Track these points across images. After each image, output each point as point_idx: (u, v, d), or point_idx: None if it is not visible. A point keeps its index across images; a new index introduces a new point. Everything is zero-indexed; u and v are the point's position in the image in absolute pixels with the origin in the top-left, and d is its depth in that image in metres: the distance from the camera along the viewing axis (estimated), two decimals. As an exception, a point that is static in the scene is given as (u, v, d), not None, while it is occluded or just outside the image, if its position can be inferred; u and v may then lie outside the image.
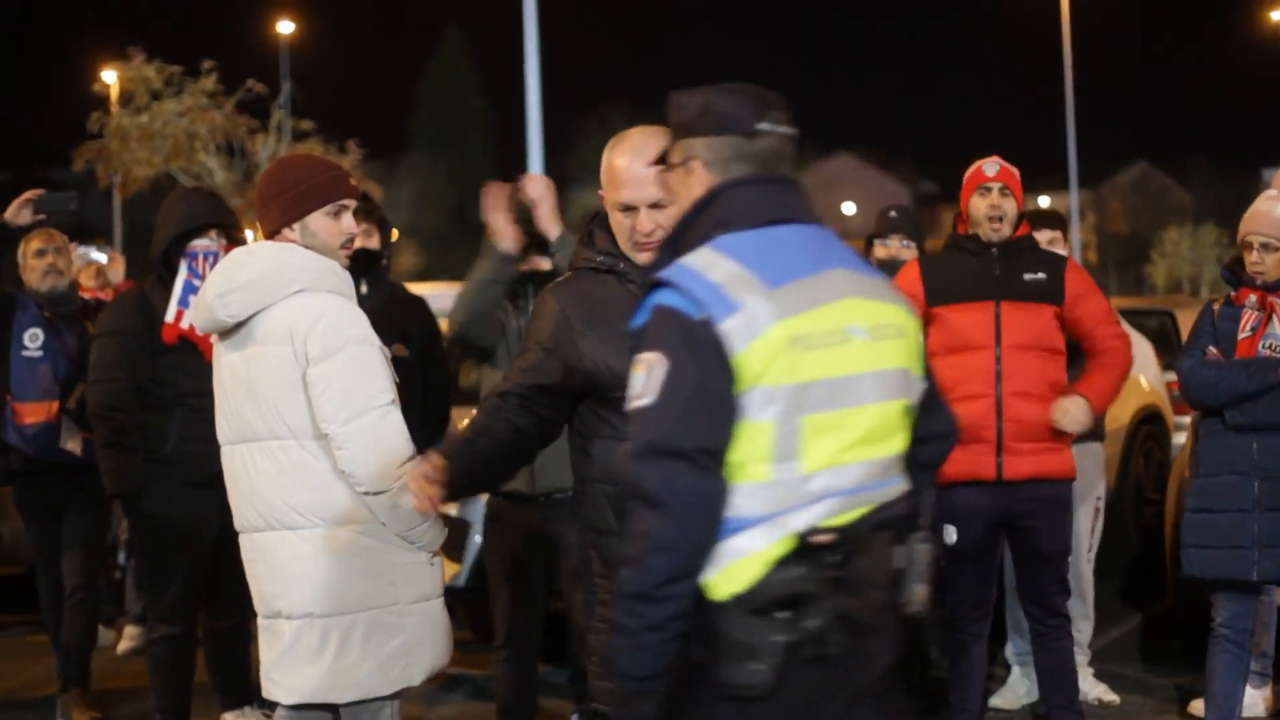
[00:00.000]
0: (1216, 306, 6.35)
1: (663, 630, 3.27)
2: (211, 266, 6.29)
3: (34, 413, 7.72)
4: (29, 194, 7.15)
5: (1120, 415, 10.45)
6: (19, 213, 7.12)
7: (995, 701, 7.53)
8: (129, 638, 9.46)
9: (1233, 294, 6.30)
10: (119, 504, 8.35)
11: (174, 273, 6.76)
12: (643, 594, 3.26)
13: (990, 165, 6.51)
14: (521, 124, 20.18)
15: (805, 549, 3.25)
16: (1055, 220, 7.80)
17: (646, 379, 3.30)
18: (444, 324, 7.36)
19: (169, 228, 6.80)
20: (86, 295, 9.32)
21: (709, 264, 3.34)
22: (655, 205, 4.23)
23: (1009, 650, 7.73)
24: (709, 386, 3.26)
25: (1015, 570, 6.61)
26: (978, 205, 6.50)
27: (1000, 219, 6.45)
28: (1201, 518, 6.29)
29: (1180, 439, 9.94)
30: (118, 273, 9.18)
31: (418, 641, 4.95)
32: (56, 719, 7.74)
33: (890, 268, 7.06)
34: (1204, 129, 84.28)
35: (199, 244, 6.76)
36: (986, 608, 6.56)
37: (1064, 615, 6.50)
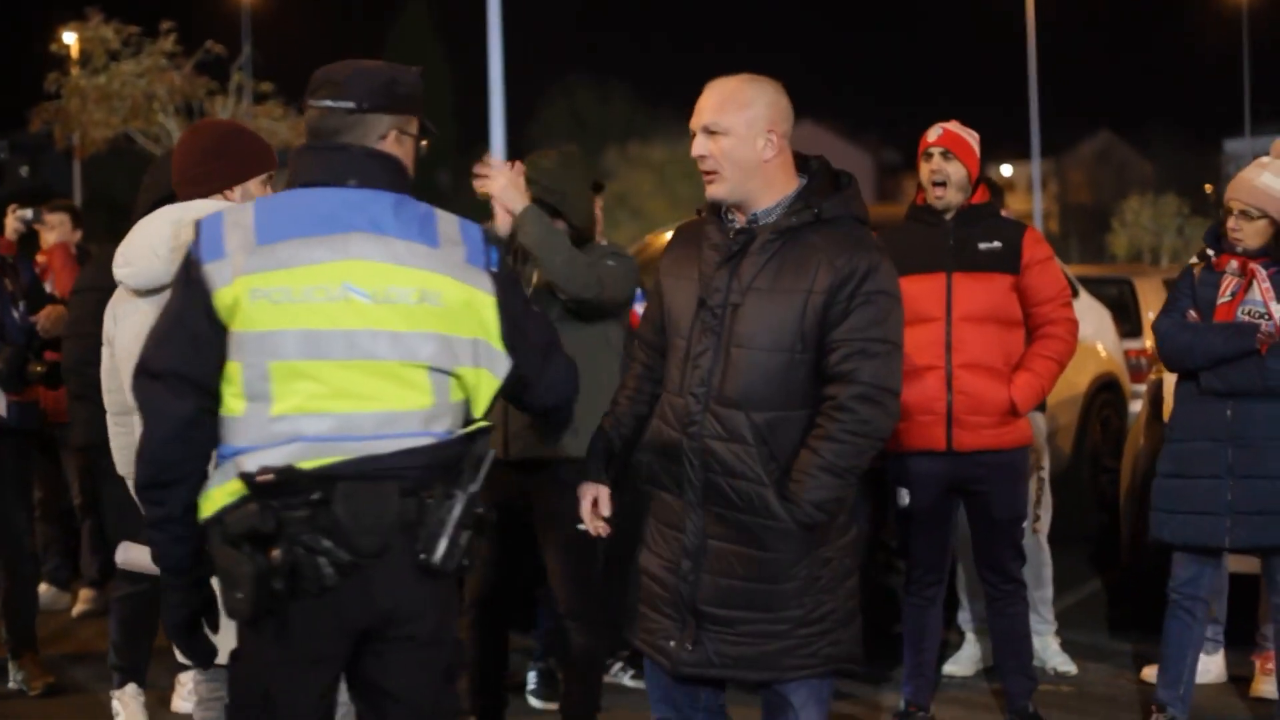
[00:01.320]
0: (1197, 270, 6.31)
1: (160, 530, 3.72)
2: None
3: None
4: None
5: (1077, 383, 10.48)
6: None
7: (949, 668, 7.54)
8: (84, 600, 9.42)
9: (1214, 259, 6.27)
10: (78, 463, 8.39)
11: None
12: (137, 494, 3.76)
13: (934, 130, 6.44)
14: (484, 92, 20.09)
15: (255, 488, 3.54)
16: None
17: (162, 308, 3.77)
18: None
19: (154, 190, 6.83)
20: (48, 258, 9.30)
21: (233, 213, 3.72)
22: (708, 131, 4.42)
23: (961, 617, 7.73)
24: (188, 319, 3.65)
25: (971, 535, 6.60)
26: (922, 170, 6.45)
27: (943, 184, 6.38)
28: (1174, 483, 6.28)
29: (1136, 406, 9.96)
30: (53, 233, 9.12)
31: None
32: (9, 684, 7.68)
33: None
34: (1166, 100, 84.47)
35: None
36: (941, 572, 6.57)
37: (1018, 581, 6.52)
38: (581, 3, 76.98)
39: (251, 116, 27.01)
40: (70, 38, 31.09)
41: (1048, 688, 7.14)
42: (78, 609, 9.39)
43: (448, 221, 3.83)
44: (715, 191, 4.40)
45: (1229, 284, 6.20)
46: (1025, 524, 6.74)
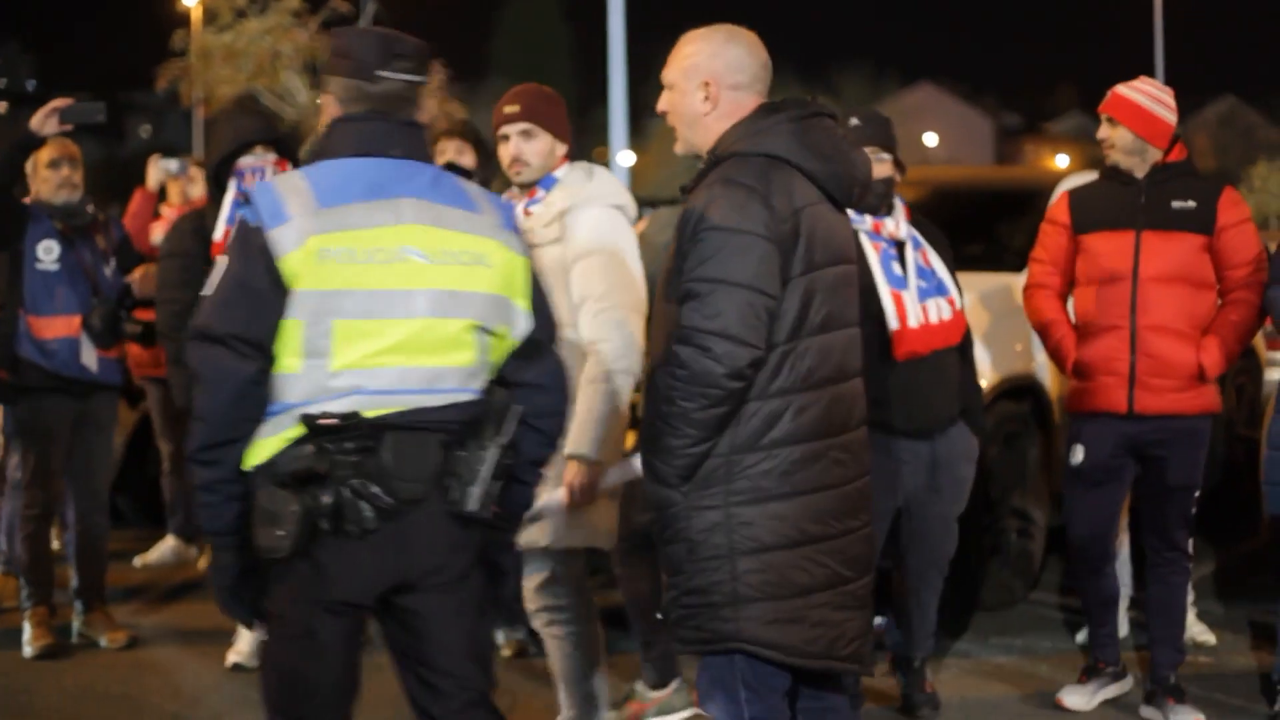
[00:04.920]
0: None
1: (213, 491, 3.85)
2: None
3: (53, 328, 7.51)
4: (56, 103, 6.93)
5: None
6: (45, 122, 6.91)
7: (1081, 637, 7.41)
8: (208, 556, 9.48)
9: None
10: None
11: (224, 191, 6.96)
12: (192, 458, 3.85)
13: (1107, 95, 6.32)
14: (603, 49, 20.00)
15: (314, 430, 3.76)
16: None
17: (214, 276, 3.89)
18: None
19: (218, 148, 7.06)
20: (171, 211, 9.32)
21: (283, 181, 3.89)
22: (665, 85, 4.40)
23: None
24: (251, 284, 3.79)
25: (1141, 499, 6.48)
26: (1099, 134, 6.37)
27: (1110, 148, 6.28)
28: None
29: (1275, 375, 9.74)
30: (197, 187, 9.11)
31: None
32: (72, 636, 7.74)
33: (883, 187, 6.01)
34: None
35: (245, 161, 6.99)
36: (1111, 534, 6.49)
37: (1182, 550, 6.40)
38: (701, -37, 76.79)
39: (374, 75, 27.17)
40: (192, -1, 31.40)
41: (1186, 659, 7.01)
42: (203, 563, 9.46)
43: (475, 190, 4.13)
44: (676, 147, 4.41)
45: None
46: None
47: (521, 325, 4.11)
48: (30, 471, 7.59)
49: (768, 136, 4.16)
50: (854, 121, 6.00)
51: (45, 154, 7.54)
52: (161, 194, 9.61)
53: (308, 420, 3.78)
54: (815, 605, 4.14)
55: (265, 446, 3.82)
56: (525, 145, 5.58)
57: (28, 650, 7.49)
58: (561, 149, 5.65)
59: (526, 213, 5.55)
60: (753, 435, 4.09)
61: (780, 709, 4.26)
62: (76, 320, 7.54)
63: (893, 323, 5.93)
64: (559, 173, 5.59)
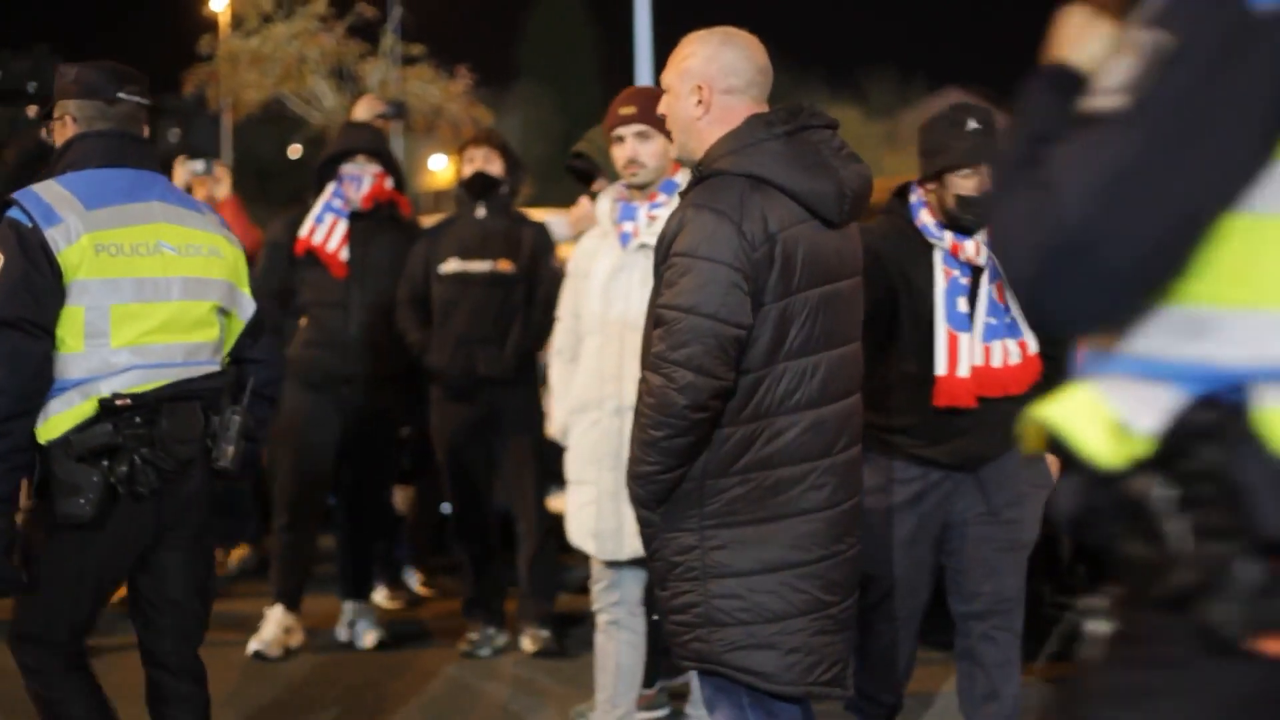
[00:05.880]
0: None
1: (6, 460, 4.28)
2: (356, 190, 7.43)
3: None
4: None
5: None
6: None
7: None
8: (238, 559, 9.52)
9: None
10: None
11: (320, 192, 7.56)
12: None
13: None
14: (630, 53, 20.04)
15: (109, 410, 4.35)
16: None
17: None
18: (562, 250, 7.50)
19: (327, 151, 7.70)
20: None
21: (47, 190, 4.47)
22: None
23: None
24: (33, 275, 4.33)
25: None
26: None
27: None
28: None
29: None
30: (222, 187, 9.14)
31: None
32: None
33: (973, 205, 5.22)
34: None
35: (348, 168, 7.50)
36: None
37: None
38: (727, -33, 76.74)
39: (401, 80, 27.10)
40: (220, 3, 31.45)
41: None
42: (232, 565, 9.49)
43: (190, 196, 4.99)
44: (671, 151, 4.43)
45: None
46: None
47: (247, 308, 4.87)
48: None
49: (752, 155, 4.05)
50: (973, 125, 5.25)
51: None
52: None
53: (104, 403, 4.37)
54: (791, 631, 4.08)
55: (58, 421, 4.38)
56: (641, 147, 5.60)
57: None
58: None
59: (650, 216, 5.62)
60: (724, 460, 4.05)
61: (790, 713, 4.21)
62: None
63: (940, 368, 5.22)
64: (679, 177, 5.61)
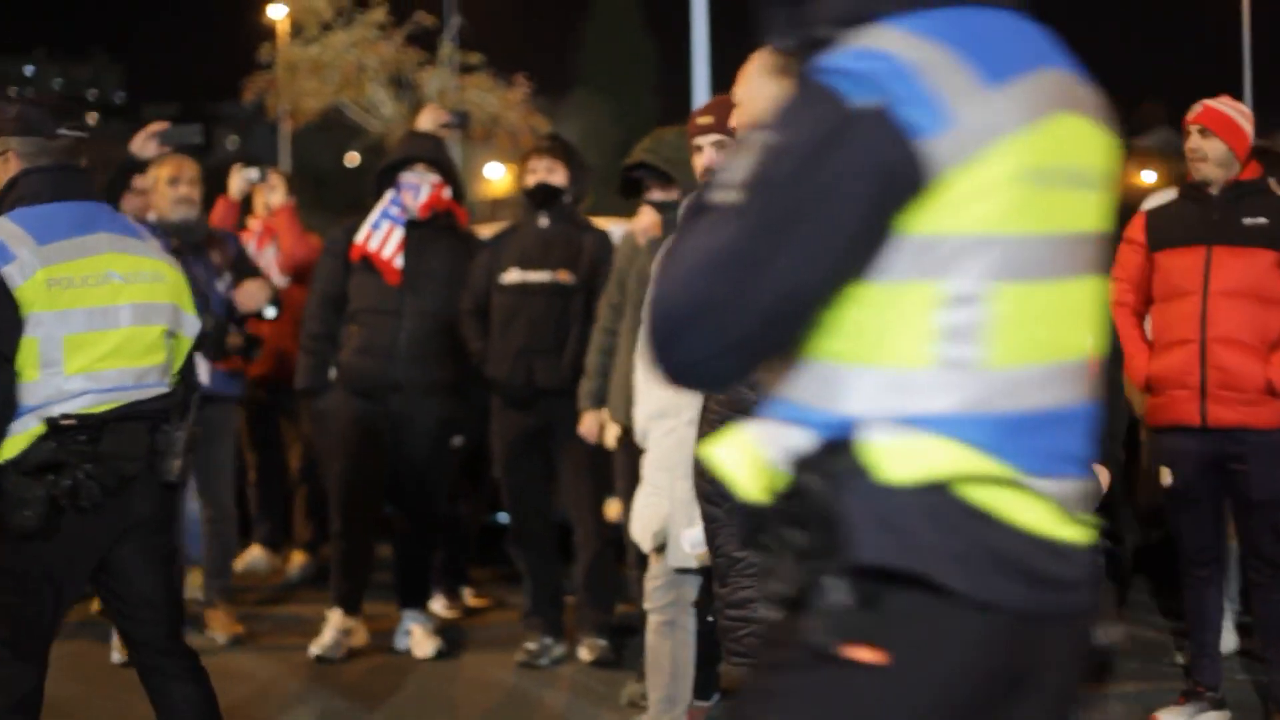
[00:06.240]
0: None
1: None
2: (415, 198, 7.54)
3: None
4: (154, 126, 7.14)
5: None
6: (145, 145, 7.10)
7: (1179, 658, 7.34)
8: (296, 565, 9.56)
9: None
10: (298, 431, 8.83)
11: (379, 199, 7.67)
12: None
13: (1195, 108, 6.41)
14: (687, 62, 20.04)
15: (55, 428, 4.64)
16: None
17: None
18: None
19: (387, 159, 7.83)
20: (257, 223, 9.42)
21: (2, 228, 4.69)
22: None
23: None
24: None
25: (1234, 517, 6.49)
26: (1185, 147, 6.43)
27: (1202, 160, 6.33)
28: None
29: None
30: (277, 194, 9.21)
31: None
32: (203, 632, 7.95)
33: None
34: None
35: (407, 177, 7.58)
36: (1212, 551, 6.45)
37: (1277, 566, 6.32)
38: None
39: (459, 88, 27.18)
40: (280, 11, 31.57)
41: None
42: (289, 572, 9.53)
43: (133, 222, 5.19)
44: None
45: None
46: None
47: (192, 327, 5.16)
48: None
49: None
50: None
51: (164, 172, 7.79)
52: (249, 206, 9.70)
53: (50, 421, 4.65)
54: None
55: (13, 444, 4.66)
56: (718, 155, 5.60)
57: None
58: None
59: None
60: None
61: None
62: None
63: None
64: None
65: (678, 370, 2.34)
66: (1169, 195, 6.64)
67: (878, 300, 2.29)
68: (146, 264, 4.98)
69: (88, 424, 4.70)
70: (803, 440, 2.32)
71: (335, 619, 7.60)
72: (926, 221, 2.26)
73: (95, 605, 8.37)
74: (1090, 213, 2.45)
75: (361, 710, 6.80)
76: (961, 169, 2.25)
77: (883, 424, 2.28)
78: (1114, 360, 5.60)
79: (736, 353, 2.29)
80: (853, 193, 2.23)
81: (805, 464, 2.30)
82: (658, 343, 2.32)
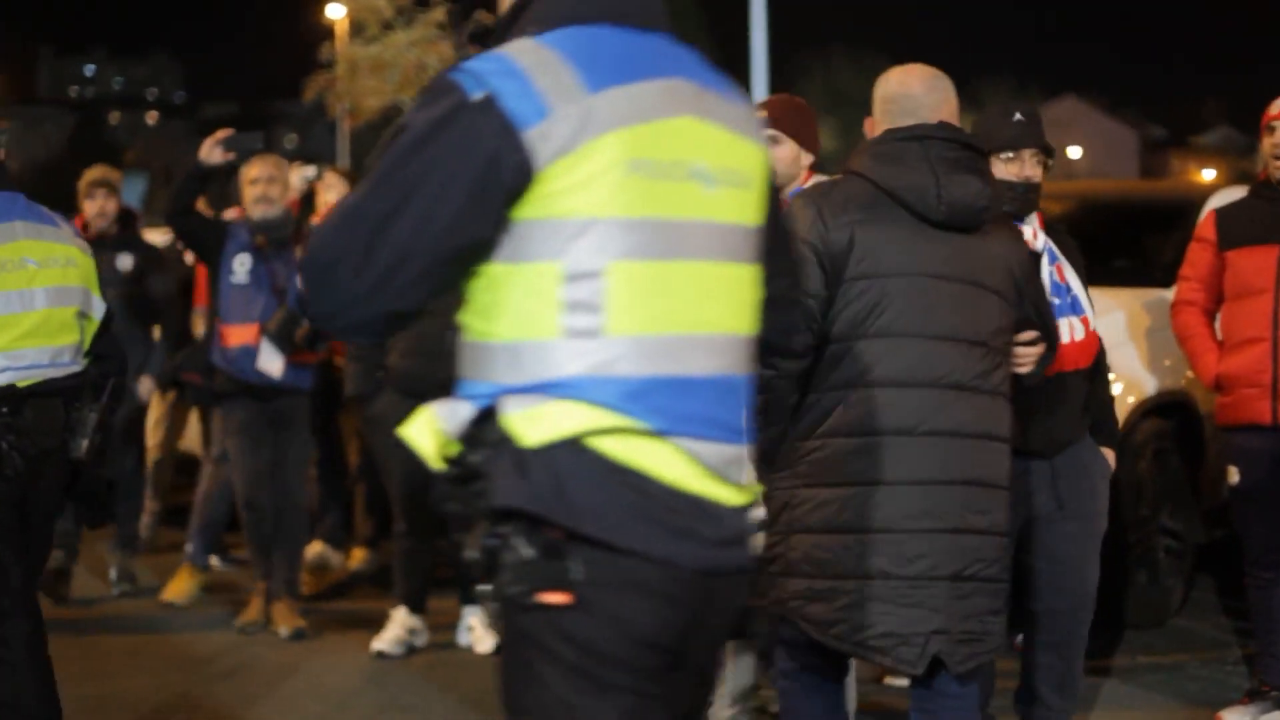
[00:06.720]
0: None
1: None
2: None
3: (237, 335, 7.97)
4: (219, 134, 7.56)
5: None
6: (211, 152, 7.64)
7: (1238, 657, 7.32)
8: (358, 560, 9.59)
9: None
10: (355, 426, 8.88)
11: None
12: None
13: (1277, 103, 6.33)
14: (745, 63, 20.01)
15: None
16: None
17: None
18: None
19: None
20: (318, 221, 9.46)
21: None
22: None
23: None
24: None
25: None
26: (1264, 145, 6.39)
27: None
28: None
29: None
30: (334, 192, 9.25)
31: None
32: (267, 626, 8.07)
33: (1025, 190, 5.43)
34: None
35: None
36: (1278, 552, 6.36)
37: None
38: (843, -25, 76.45)
39: (517, 86, 27.32)
40: (338, 11, 31.70)
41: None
42: (351, 568, 9.56)
43: (48, 210, 5.45)
44: (803, 158, 5.08)
45: None
46: None
47: (99, 309, 5.49)
48: (236, 472, 8.12)
49: (858, 156, 4.50)
50: (1018, 117, 5.53)
51: (249, 172, 8.01)
52: (311, 205, 9.74)
53: None
54: (847, 591, 4.31)
55: None
56: (770, 151, 5.59)
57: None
58: (808, 159, 5.77)
59: None
60: (810, 425, 4.37)
61: (816, 665, 4.63)
62: (254, 329, 7.91)
63: None
64: (808, 185, 5.60)
65: (323, 317, 2.69)
66: (1238, 193, 6.60)
67: (508, 281, 2.64)
68: (59, 249, 5.35)
69: (8, 397, 5.11)
70: (466, 413, 2.67)
71: (400, 617, 7.64)
72: (541, 208, 2.60)
73: (168, 593, 8.49)
74: (725, 206, 2.78)
75: (422, 705, 6.82)
76: (568, 160, 2.58)
77: (521, 393, 2.62)
78: (1102, 354, 5.76)
79: (367, 304, 2.63)
80: (457, 170, 2.59)
81: (464, 435, 2.66)
82: (309, 290, 2.66)
